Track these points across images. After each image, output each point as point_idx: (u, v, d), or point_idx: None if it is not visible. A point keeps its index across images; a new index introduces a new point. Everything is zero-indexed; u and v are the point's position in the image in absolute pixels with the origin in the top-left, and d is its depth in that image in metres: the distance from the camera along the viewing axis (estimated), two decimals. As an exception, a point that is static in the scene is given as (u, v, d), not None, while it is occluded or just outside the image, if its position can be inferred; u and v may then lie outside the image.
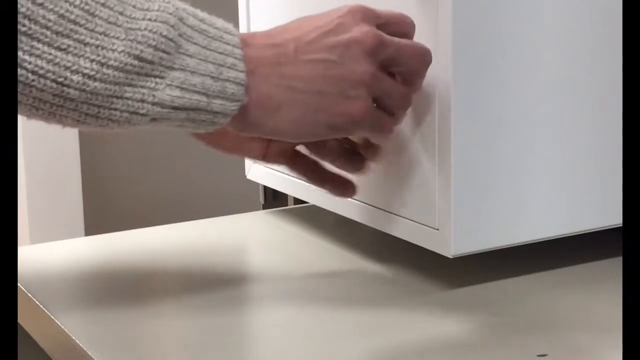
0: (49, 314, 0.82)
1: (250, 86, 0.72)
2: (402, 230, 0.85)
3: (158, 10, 0.68)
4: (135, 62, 0.67)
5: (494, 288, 0.85)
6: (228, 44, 0.71)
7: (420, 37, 0.80)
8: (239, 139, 0.85)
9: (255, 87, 0.72)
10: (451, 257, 0.81)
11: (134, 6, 0.68)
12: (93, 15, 0.67)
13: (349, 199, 0.90)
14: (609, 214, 0.86)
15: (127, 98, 0.68)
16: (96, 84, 0.66)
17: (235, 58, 0.71)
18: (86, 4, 0.67)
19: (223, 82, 0.70)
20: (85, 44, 0.66)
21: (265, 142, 0.85)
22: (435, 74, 0.79)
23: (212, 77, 0.70)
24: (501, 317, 0.79)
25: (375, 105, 0.76)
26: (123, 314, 0.83)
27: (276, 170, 1.00)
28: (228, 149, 0.85)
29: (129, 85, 0.67)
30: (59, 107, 0.68)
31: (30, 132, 2.30)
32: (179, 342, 0.79)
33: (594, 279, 0.86)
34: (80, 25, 0.66)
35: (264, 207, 1.31)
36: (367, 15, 0.75)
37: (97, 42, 0.67)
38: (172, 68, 0.68)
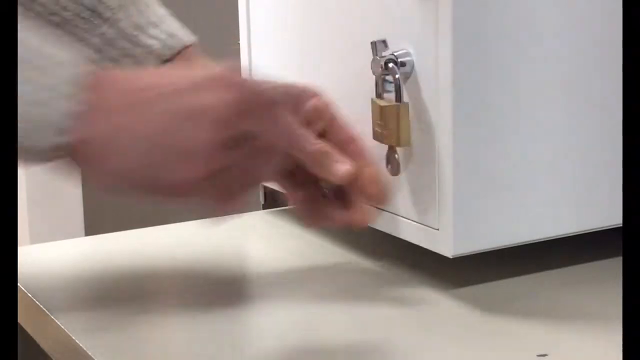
0: (49, 314, 0.82)
1: (85, 129, 0.69)
2: (402, 230, 0.85)
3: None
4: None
5: (494, 288, 0.85)
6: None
7: (421, 37, 0.80)
8: None
9: (93, 129, 0.69)
10: (451, 257, 0.81)
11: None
12: None
13: (349, 199, 0.90)
14: (609, 214, 0.86)
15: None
16: None
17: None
18: None
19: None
20: None
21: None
22: (436, 74, 0.79)
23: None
24: (501, 317, 0.79)
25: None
26: (123, 314, 0.83)
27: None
28: None
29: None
30: None
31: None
32: (179, 341, 0.79)
33: (594, 279, 0.86)
34: None
35: (264, 207, 1.31)
36: (232, 85, 0.71)
37: None
38: None
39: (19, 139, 0.66)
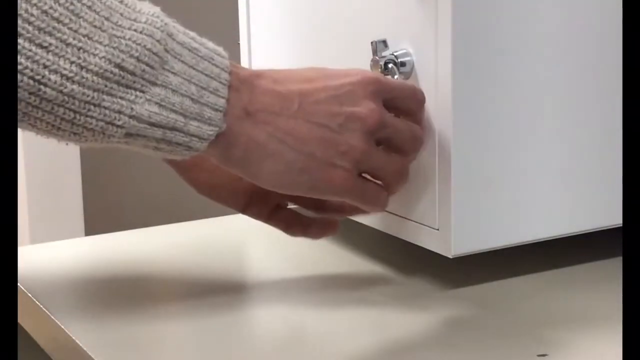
0: (49, 314, 0.82)
1: (244, 128, 0.71)
2: (403, 230, 0.85)
3: (145, 22, 0.67)
4: (116, 71, 0.65)
5: (494, 288, 0.85)
6: (217, 66, 0.70)
7: (421, 37, 0.80)
8: (214, 183, 0.86)
9: (248, 132, 0.71)
10: (451, 257, 0.81)
11: (121, 14, 0.66)
12: (78, 16, 0.65)
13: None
14: (609, 214, 0.86)
15: (104, 107, 0.66)
16: (74, 86, 0.65)
17: (220, 82, 0.70)
18: (71, 4, 0.65)
19: (202, 106, 0.69)
20: (67, 44, 0.65)
21: (246, 199, 0.87)
22: (436, 74, 0.79)
23: (192, 99, 0.68)
24: (501, 317, 0.79)
25: (366, 177, 0.77)
26: (123, 314, 0.83)
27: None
28: (200, 187, 0.87)
29: (108, 94, 0.65)
30: (35, 107, 0.65)
31: (31, 132, 2.30)
32: (179, 341, 0.79)
33: (594, 279, 0.86)
34: (64, 25, 0.65)
35: (264, 207, 1.31)
36: (378, 90, 0.75)
37: (79, 44, 0.65)
38: (154, 83, 0.67)
39: (182, 126, 0.68)
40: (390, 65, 0.82)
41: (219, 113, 0.69)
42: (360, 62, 0.85)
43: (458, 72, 0.78)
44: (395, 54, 0.82)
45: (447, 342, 0.76)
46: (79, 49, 0.65)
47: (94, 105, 0.65)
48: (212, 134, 0.69)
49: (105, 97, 0.65)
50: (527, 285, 0.86)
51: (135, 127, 0.67)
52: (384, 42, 0.83)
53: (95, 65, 0.65)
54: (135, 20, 0.67)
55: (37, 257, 0.97)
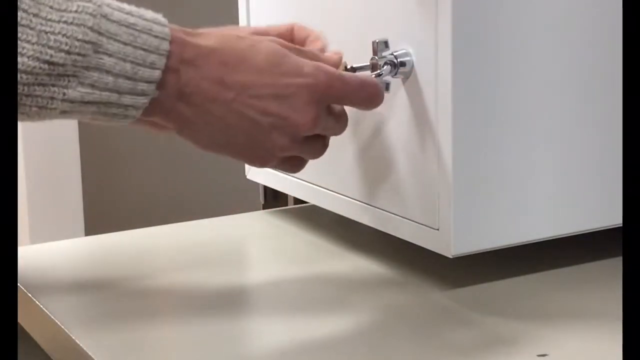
0: (49, 314, 0.82)
1: (176, 107, 0.73)
2: (402, 230, 0.85)
3: (76, 11, 0.67)
4: (45, 67, 0.66)
5: (494, 288, 0.85)
6: (156, 36, 0.71)
7: (421, 37, 0.80)
8: None
9: (180, 110, 0.73)
10: (451, 257, 0.81)
11: (51, 7, 0.67)
12: None
13: (350, 199, 0.90)
14: (609, 214, 0.86)
15: (36, 96, 0.67)
16: None
17: (159, 54, 0.70)
18: None
19: (135, 82, 0.70)
20: None
21: None
22: (436, 74, 0.79)
23: (126, 77, 0.70)
24: (501, 317, 0.79)
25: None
26: (123, 314, 0.83)
27: (276, 170, 1.00)
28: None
29: (39, 84, 0.67)
30: None
31: (30, 132, 2.30)
32: (179, 341, 0.79)
33: (594, 279, 0.86)
34: None
35: (264, 207, 1.31)
36: (327, 96, 0.76)
37: None
38: (87, 68, 0.68)
39: (116, 99, 0.70)
40: (390, 66, 0.82)
41: (152, 85, 0.71)
42: (360, 62, 0.85)
43: (458, 72, 0.78)
44: (395, 54, 0.82)
45: (447, 342, 0.76)
46: None
47: (26, 95, 0.67)
48: (145, 102, 0.71)
49: (36, 87, 0.67)
50: (527, 285, 0.85)
51: (69, 107, 0.69)
52: (385, 42, 0.83)
53: (23, 65, 0.66)
54: (65, 10, 0.67)
55: (37, 257, 0.97)
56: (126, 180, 2.21)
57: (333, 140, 0.82)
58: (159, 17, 0.72)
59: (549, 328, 0.77)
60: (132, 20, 0.70)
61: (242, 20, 1.04)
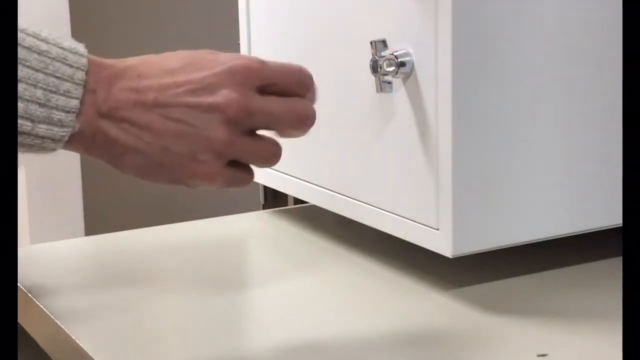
0: (49, 314, 0.82)
1: (99, 128, 0.70)
2: (402, 230, 0.85)
3: None
4: None
5: (494, 288, 0.85)
6: (71, 65, 0.69)
7: (421, 37, 0.80)
8: None
9: (104, 130, 0.70)
10: (451, 257, 0.81)
11: None
12: None
13: (350, 199, 0.90)
14: (609, 214, 0.86)
15: None
16: None
17: (74, 83, 0.68)
18: None
19: (49, 109, 0.68)
20: None
21: None
22: (436, 74, 0.79)
23: (39, 104, 0.67)
24: (501, 317, 0.79)
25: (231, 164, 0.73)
26: (123, 314, 0.83)
27: (276, 170, 1.00)
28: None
29: None
30: None
31: None
32: (179, 342, 0.79)
33: (594, 279, 0.86)
34: None
35: (264, 207, 1.31)
36: (247, 79, 0.71)
37: None
38: None
39: (29, 129, 0.67)
40: (390, 65, 0.82)
41: (71, 114, 0.68)
42: (360, 62, 0.85)
43: (458, 72, 0.78)
44: (395, 54, 0.82)
45: (446, 342, 0.76)
46: None
47: None
48: (64, 135, 0.68)
49: None
50: (527, 285, 0.86)
51: None
52: (384, 42, 0.83)
53: None
54: None
55: (37, 257, 0.97)
56: (126, 180, 2.21)
57: (333, 140, 0.82)
58: (79, 46, 0.70)
59: (549, 328, 0.77)
60: (44, 47, 0.68)
61: (242, 20, 1.04)
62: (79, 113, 0.68)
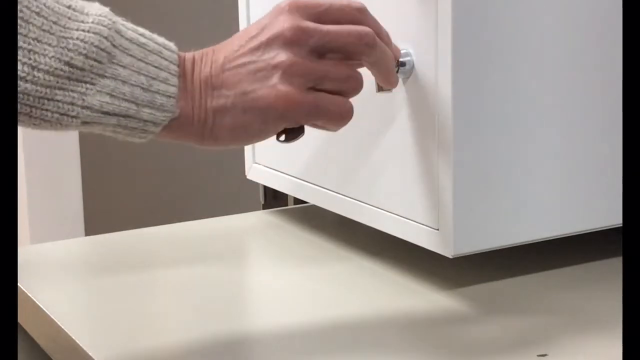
0: (49, 314, 0.82)
1: (194, 106, 0.74)
2: (402, 230, 0.85)
3: (92, 22, 0.70)
4: (66, 68, 0.69)
5: (494, 288, 0.85)
6: (165, 59, 0.73)
7: (421, 36, 0.80)
8: None
9: (197, 107, 0.74)
10: (451, 257, 0.81)
11: (69, 18, 0.70)
12: (27, 22, 0.69)
13: (350, 199, 0.90)
14: (609, 214, 0.86)
15: (57, 100, 0.70)
16: (27, 85, 0.68)
17: (170, 73, 0.73)
18: (21, 11, 0.69)
19: (152, 94, 0.72)
20: (19, 48, 0.69)
21: None
22: (436, 74, 0.79)
23: (142, 88, 0.72)
24: (501, 317, 0.79)
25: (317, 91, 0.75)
26: (123, 314, 0.83)
27: (276, 170, 1.00)
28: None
29: (60, 88, 0.69)
30: None
31: (30, 132, 2.30)
32: (179, 342, 0.79)
33: (594, 279, 0.86)
34: None
35: (264, 207, 1.31)
36: (298, 8, 0.75)
37: (29, 47, 0.69)
38: (103, 76, 0.70)
39: (134, 113, 0.72)
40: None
41: (172, 99, 0.73)
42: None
43: (458, 72, 0.78)
44: (395, 54, 0.82)
45: (446, 342, 0.76)
46: (29, 51, 0.69)
47: (47, 99, 0.69)
48: (165, 119, 0.73)
49: (57, 91, 0.69)
50: (527, 285, 0.86)
51: (90, 116, 0.71)
52: (384, 42, 0.83)
53: (45, 65, 0.69)
54: (82, 22, 0.71)
55: (37, 257, 0.97)
56: (126, 180, 2.21)
57: (333, 140, 0.82)
58: (171, 44, 0.75)
59: (549, 328, 0.77)
60: (143, 40, 0.73)
61: (242, 20, 1.04)
62: (177, 99, 0.73)
